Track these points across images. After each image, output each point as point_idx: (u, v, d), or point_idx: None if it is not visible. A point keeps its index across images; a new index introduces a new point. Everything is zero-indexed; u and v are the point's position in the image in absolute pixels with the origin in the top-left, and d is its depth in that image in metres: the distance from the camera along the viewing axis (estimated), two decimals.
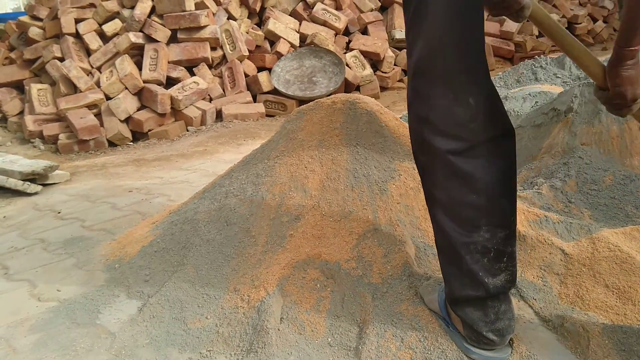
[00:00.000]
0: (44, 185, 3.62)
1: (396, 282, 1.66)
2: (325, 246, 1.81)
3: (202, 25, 5.52)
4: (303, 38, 6.31)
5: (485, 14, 1.28)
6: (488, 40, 7.68)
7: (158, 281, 1.95)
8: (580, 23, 8.83)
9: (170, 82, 5.42)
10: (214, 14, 5.85)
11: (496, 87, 3.61)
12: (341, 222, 1.85)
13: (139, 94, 5.22)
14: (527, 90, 3.15)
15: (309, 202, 1.93)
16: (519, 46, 7.74)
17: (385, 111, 2.14)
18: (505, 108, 3.06)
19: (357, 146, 2.00)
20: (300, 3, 6.66)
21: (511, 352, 1.40)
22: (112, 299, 1.91)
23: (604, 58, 3.61)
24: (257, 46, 6.12)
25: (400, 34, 6.76)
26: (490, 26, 7.78)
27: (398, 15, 6.98)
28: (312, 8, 6.57)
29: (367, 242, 1.79)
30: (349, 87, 6.01)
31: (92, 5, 5.74)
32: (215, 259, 1.90)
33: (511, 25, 7.77)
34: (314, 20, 6.51)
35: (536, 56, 4.09)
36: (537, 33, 8.21)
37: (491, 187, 1.29)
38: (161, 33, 5.45)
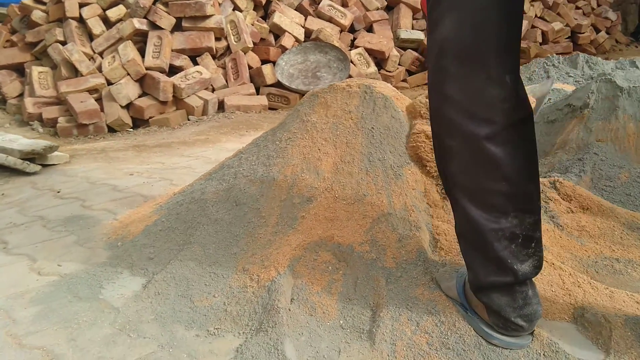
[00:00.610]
0: (43, 165, 3.55)
1: (411, 267, 1.62)
2: (338, 229, 1.76)
3: (207, 14, 5.46)
4: (308, 33, 6.27)
5: None
6: None
7: (163, 259, 1.89)
8: (584, 33, 8.85)
9: (172, 70, 5.37)
10: (219, 4, 5.81)
11: None
12: (355, 205, 1.80)
13: (141, 80, 5.16)
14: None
15: (321, 185, 1.88)
16: (523, 52, 7.73)
17: (401, 96, 2.10)
18: None
19: (372, 130, 1.96)
20: None
21: (532, 340, 1.36)
22: (115, 276, 1.86)
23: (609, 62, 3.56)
24: (262, 39, 6.07)
25: (405, 33, 6.73)
26: None
27: (404, 15, 6.95)
28: (318, 4, 6.54)
29: (380, 226, 1.74)
30: None
31: None
32: (224, 238, 1.85)
33: None
34: (320, 15, 6.47)
35: (549, 55, 4.07)
36: (540, 40, 8.21)
37: (519, 172, 1.23)
38: (166, 20, 5.39)
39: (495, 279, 1.29)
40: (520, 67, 4.18)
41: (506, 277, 1.28)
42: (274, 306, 1.53)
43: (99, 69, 5.18)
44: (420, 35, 6.75)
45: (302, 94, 5.63)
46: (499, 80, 1.17)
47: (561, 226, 1.93)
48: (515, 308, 1.29)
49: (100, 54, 5.39)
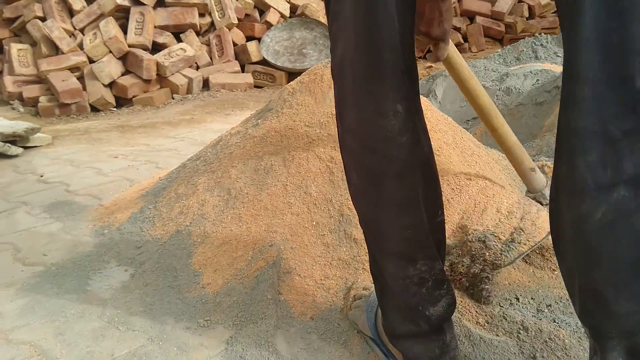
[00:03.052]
0: (25, 147, 3.49)
1: None
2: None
3: None
4: (293, 9, 6.17)
5: None
6: (479, 20, 7.63)
7: (150, 248, 1.87)
8: None
9: (156, 47, 5.27)
10: None
11: (495, 65, 3.44)
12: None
13: (124, 58, 5.06)
14: (528, 68, 3.10)
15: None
16: (510, 27, 7.69)
17: None
18: (506, 85, 3.02)
19: None
20: None
21: None
22: (102, 265, 1.84)
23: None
24: (247, 15, 5.97)
25: None
26: (482, 6, 7.71)
27: None
28: None
29: None
30: None
31: None
32: None
33: (502, 6, 7.71)
34: None
35: (536, 34, 4.04)
36: (527, 15, 8.17)
37: (427, 218, 1.09)
38: None
39: (410, 327, 1.18)
40: (508, 46, 4.16)
41: (421, 326, 1.17)
42: (264, 297, 1.52)
43: (80, 46, 5.07)
44: None
45: (288, 71, 5.57)
46: (390, 109, 1.00)
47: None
48: (432, 358, 1.19)
49: (81, 30, 5.26)
